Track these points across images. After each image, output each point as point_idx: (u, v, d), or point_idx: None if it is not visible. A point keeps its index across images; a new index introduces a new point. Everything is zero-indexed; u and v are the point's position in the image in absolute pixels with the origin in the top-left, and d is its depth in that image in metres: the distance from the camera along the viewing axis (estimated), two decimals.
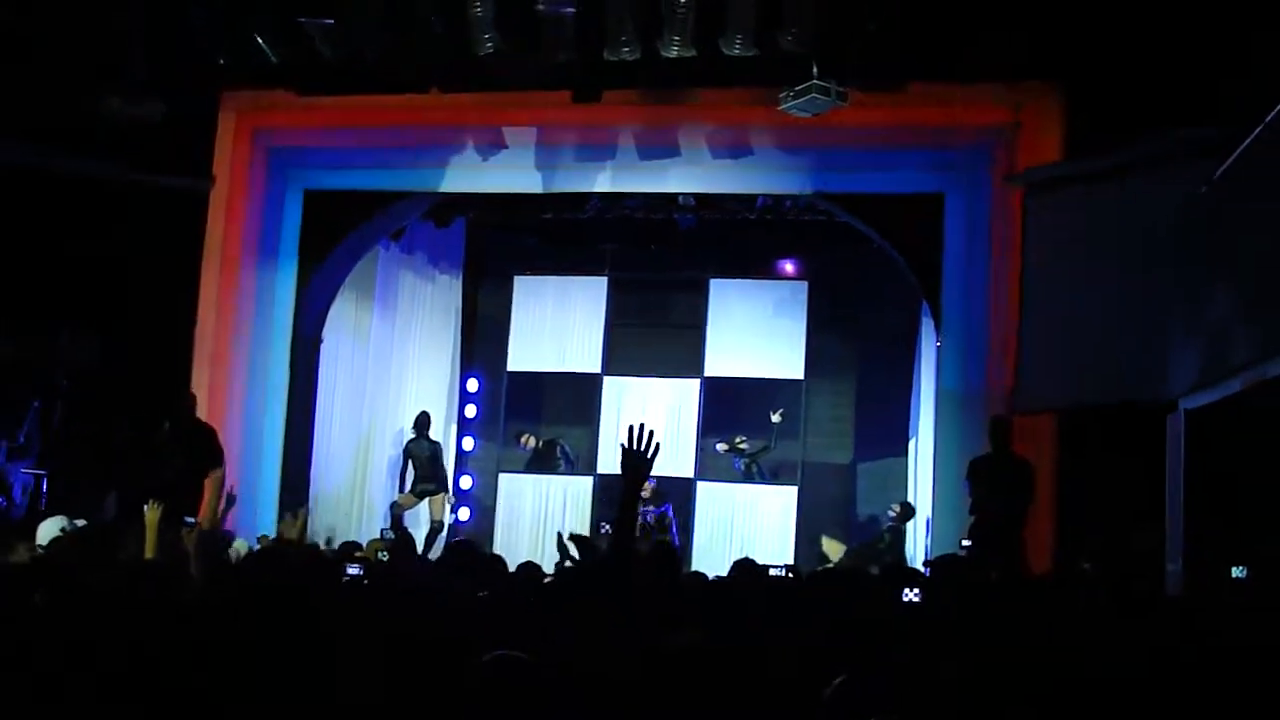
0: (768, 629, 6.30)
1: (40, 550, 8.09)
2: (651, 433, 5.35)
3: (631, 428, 5.34)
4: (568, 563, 10.81)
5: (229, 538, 11.14)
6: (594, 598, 5.69)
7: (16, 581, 6.44)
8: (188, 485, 12.58)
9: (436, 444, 18.61)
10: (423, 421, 18.49)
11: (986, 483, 12.93)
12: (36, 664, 4.65)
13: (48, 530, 8.52)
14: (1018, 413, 13.47)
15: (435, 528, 18.29)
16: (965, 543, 12.87)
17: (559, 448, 20.18)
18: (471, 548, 9.47)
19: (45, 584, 6.21)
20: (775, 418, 19.25)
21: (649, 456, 5.34)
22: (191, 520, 9.52)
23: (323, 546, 14.13)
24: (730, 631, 5.84)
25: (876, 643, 5.43)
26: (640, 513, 17.09)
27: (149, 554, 8.12)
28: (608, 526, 14.14)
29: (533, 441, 20.13)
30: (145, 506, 8.55)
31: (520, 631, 5.41)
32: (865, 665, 4.57)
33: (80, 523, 8.94)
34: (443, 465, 18.97)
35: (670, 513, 18.20)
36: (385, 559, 10.20)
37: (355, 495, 18.23)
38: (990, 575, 11.43)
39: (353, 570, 7.99)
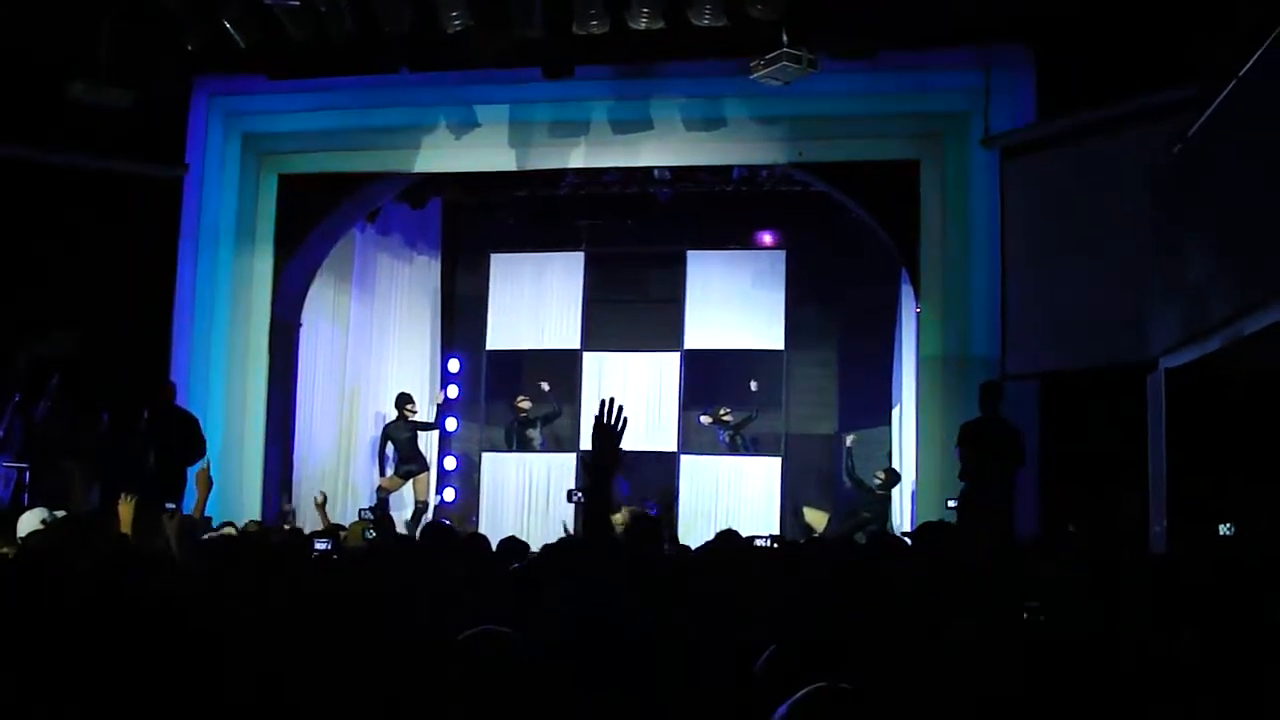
0: (753, 600, 6.28)
1: (20, 541, 8.04)
2: (621, 407, 5.32)
3: (603, 402, 5.31)
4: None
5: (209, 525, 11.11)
6: (571, 573, 5.66)
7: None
8: (168, 473, 12.57)
9: (416, 424, 18.55)
10: (401, 402, 18.42)
11: (976, 447, 12.96)
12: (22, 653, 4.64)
13: (28, 523, 8.45)
14: (1006, 378, 13.48)
15: (420, 508, 18.22)
16: (951, 503, 12.91)
17: (539, 422, 20.08)
18: (448, 529, 9.43)
19: (27, 574, 6.17)
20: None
21: (619, 429, 5.31)
22: (172, 505, 9.49)
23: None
24: (713, 602, 5.82)
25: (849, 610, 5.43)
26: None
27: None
28: (580, 495, 14.13)
29: (528, 404, 20.00)
30: (120, 500, 8.56)
31: (500, 607, 5.39)
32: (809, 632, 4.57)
33: (60, 514, 8.89)
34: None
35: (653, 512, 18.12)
36: (372, 537, 10.19)
37: (338, 478, 18.19)
38: (978, 539, 11.51)
39: (320, 545, 7.96)
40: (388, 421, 18.56)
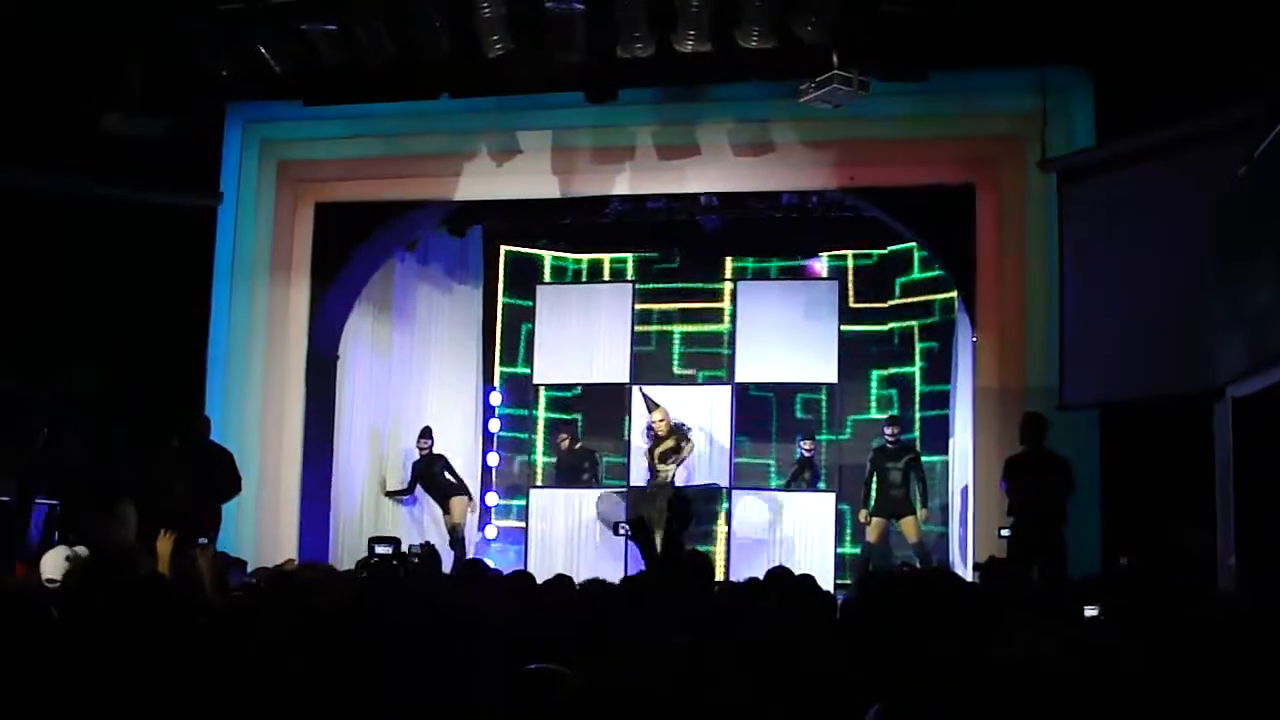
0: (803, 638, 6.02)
1: (52, 584, 7.91)
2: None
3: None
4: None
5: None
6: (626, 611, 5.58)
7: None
8: (201, 509, 12.34)
9: (439, 457, 18.24)
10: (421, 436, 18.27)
11: (1023, 479, 12.73)
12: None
13: (52, 561, 8.26)
14: (1065, 407, 13.17)
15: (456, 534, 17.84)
16: (1004, 532, 12.76)
17: (589, 458, 19.78)
18: (480, 566, 9.27)
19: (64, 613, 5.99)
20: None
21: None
22: (204, 540, 9.34)
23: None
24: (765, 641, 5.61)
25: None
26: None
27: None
28: (626, 528, 13.96)
29: (567, 443, 19.72)
30: (159, 535, 8.40)
31: (554, 644, 5.33)
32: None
33: (80, 550, 8.66)
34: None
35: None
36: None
37: (376, 513, 17.94)
38: (1032, 573, 11.32)
39: (381, 550, 7.84)
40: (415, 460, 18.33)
